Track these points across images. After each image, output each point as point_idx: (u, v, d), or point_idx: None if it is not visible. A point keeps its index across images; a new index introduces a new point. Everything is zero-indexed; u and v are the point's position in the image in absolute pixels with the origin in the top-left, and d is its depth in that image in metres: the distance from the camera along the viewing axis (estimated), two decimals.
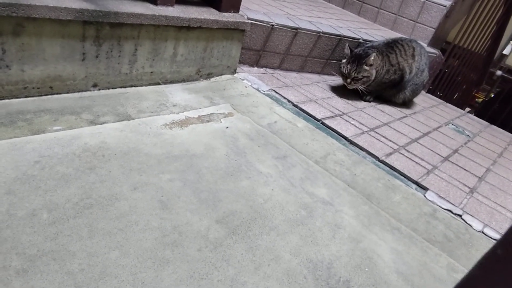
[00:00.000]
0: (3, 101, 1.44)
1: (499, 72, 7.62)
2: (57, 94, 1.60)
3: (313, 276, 1.11)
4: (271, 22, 2.38)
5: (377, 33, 3.31)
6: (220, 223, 1.19)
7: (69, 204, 1.08)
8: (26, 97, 1.51)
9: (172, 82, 2.04)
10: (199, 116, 1.78)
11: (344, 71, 2.47)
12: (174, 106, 1.81)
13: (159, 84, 1.97)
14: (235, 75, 2.35)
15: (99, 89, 1.74)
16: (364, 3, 3.98)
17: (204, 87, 2.11)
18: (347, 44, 2.53)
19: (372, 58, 2.39)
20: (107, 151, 1.34)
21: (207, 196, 1.29)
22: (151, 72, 1.91)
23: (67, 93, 1.63)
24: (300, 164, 1.65)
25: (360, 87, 2.49)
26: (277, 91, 2.31)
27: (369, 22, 3.89)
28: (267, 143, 1.73)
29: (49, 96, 1.57)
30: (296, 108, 2.19)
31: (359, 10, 4.01)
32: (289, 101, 2.24)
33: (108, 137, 1.42)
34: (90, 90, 1.71)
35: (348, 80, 2.48)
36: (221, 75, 2.29)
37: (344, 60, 2.49)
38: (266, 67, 2.62)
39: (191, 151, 1.50)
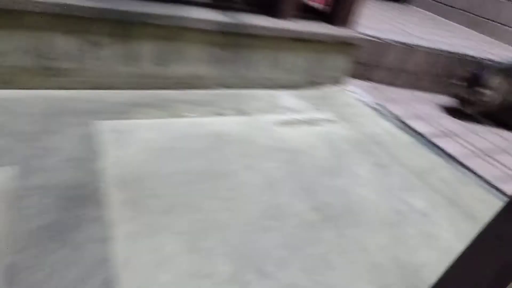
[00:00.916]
0: (159, 91, 1.86)
1: None
2: (193, 89, 1.97)
3: (400, 274, 1.15)
4: (384, 38, 2.43)
5: (505, 53, 3.02)
6: (315, 210, 1.32)
7: (197, 171, 1.36)
8: (173, 89, 1.91)
9: (283, 88, 2.27)
10: (305, 119, 1.96)
11: (462, 94, 2.34)
12: (284, 108, 2.03)
13: (272, 88, 2.22)
14: (343, 86, 2.47)
15: (224, 88, 2.07)
16: (489, 20, 3.65)
17: (312, 95, 2.28)
18: (468, 66, 2.41)
19: (498, 81, 2.23)
20: (227, 137, 1.62)
21: (306, 186, 1.44)
22: (268, 78, 2.18)
23: (200, 89, 1.99)
24: (399, 175, 1.68)
25: (478, 110, 2.33)
26: (383, 105, 2.35)
27: (496, 41, 3.56)
28: (367, 150, 1.80)
29: (187, 90, 1.95)
30: (402, 123, 2.19)
31: (484, 29, 3.70)
32: (394, 115, 2.26)
33: (229, 126, 1.70)
34: (218, 89, 2.05)
35: (471, 100, 2.32)
36: (330, 85, 2.43)
37: (463, 82, 2.37)
38: (375, 82, 2.66)
39: (295, 147, 1.68)
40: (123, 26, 1.65)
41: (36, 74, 1.57)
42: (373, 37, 2.40)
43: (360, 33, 2.33)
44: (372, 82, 2.65)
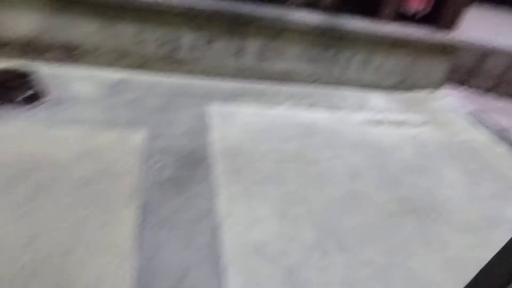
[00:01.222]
0: (260, 82, 2.07)
1: None
2: (289, 83, 2.14)
3: None
4: (488, 44, 2.30)
5: None
6: (396, 202, 1.37)
7: (289, 153, 1.51)
8: (269, 83, 2.10)
9: (374, 89, 2.30)
10: (393, 120, 1.98)
11: None
12: (373, 108, 2.07)
13: (363, 88, 2.28)
14: (438, 91, 2.40)
15: (317, 85, 2.19)
16: None
17: (404, 98, 2.27)
18: None
19: None
20: (317, 128, 1.74)
21: (390, 180, 1.49)
22: (360, 78, 2.24)
23: (296, 84, 2.15)
24: (493, 182, 1.61)
25: None
26: (480, 113, 2.22)
27: None
28: (458, 156, 1.75)
29: (284, 84, 2.13)
30: (498, 132, 2.06)
31: None
32: (492, 124, 2.12)
33: (319, 119, 1.82)
34: (311, 85, 2.18)
35: None
36: (423, 89, 2.38)
37: None
38: (474, 89, 2.52)
39: (380, 144, 1.72)
40: (235, 25, 1.89)
41: (163, 61, 1.90)
42: (476, 42, 2.29)
43: (461, 37, 2.24)
44: (470, 89, 2.51)
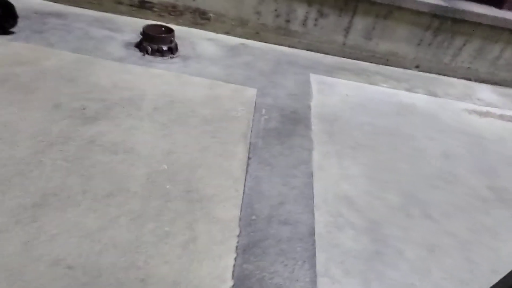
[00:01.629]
0: (361, 61, 2.14)
1: None
2: (388, 66, 2.16)
3: None
4: None
5: None
6: (490, 189, 1.36)
7: (383, 127, 1.58)
8: (370, 62, 2.15)
9: (483, 81, 2.17)
10: (501, 114, 1.88)
11: None
12: (478, 99, 1.98)
13: (470, 80, 2.17)
14: None
15: (419, 70, 2.16)
16: None
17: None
18: None
19: None
20: (414, 109, 1.76)
21: (486, 168, 1.46)
22: (468, 68, 2.14)
23: (395, 67, 2.16)
24: None
25: None
26: None
27: None
28: None
29: (383, 66, 2.15)
30: None
31: None
32: None
33: (416, 101, 1.83)
34: (412, 69, 2.16)
35: None
36: None
37: None
38: None
39: (482, 134, 1.67)
40: (345, 0, 1.97)
41: (276, 31, 2.09)
42: None
43: None
44: None
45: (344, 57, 2.15)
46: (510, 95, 2.09)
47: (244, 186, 1.16)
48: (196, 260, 0.91)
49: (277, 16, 2.04)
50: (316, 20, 2.04)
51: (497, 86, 2.16)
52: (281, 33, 2.09)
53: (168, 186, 1.09)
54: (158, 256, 0.90)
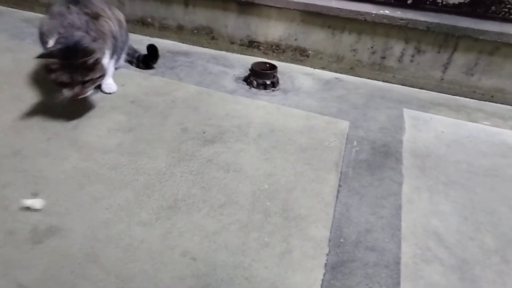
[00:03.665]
0: (456, 97, 2.10)
1: None
2: (492, 102, 2.06)
3: None
4: None
5: None
6: None
7: (480, 168, 1.54)
8: (471, 98, 2.09)
9: None
10: None
11: None
12: None
13: None
14: None
15: None
16: None
17: None
18: None
19: None
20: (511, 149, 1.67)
21: None
22: None
23: (501, 104, 2.05)
24: None
25: None
26: None
27: None
28: None
29: (486, 102, 2.07)
30: None
31: None
32: None
33: None
34: None
35: None
36: None
37: None
38: None
39: None
40: (445, 37, 1.98)
41: (371, 67, 2.20)
42: None
43: None
44: None
45: (441, 93, 2.13)
46: None
47: (334, 210, 1.29)
48: (291, 269, 1.06)
49: (373, 53, 2.15)
50: (412, 56, 2.09)
51: None
52: (375, 69, 2.19)
53: (268, 203, 1.28)
54: (260, 261, 1.08)
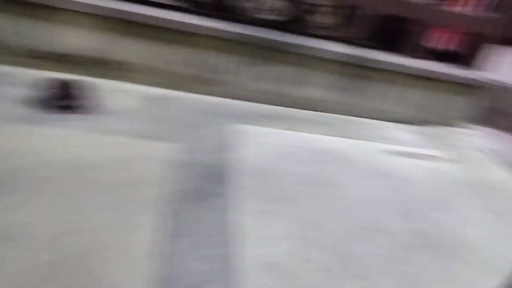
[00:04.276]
0: (282, 107, 2.16)
1: None
2: (310, 110, 2.21)
3: None
4: (508, 83, 2.30)
5: None
6: (414, 235, 1.37)
7: (305, 177, 1.56)
8: (293, 107, 2.19)
9: (395, 121, 2.33)
10: (411, 152, 1.99)
11: None
12: (392, 139, 2.10)
13: (380, 120, 2.31)
14: (459, 128, 2.40)
15: (338, 113, 2.25)
16: None
17: (425, 132, 2.29)
18: None
19: None
20: (334, 154, 1.79)
21: (408, 212, 1.49)
22: (381, 110, 2.29)
23: (316, 111, 2.22)
24: None
25: None
26: (501, 152, 2.20)
27: None
28: (478, 192, 1.74)
29: (305, 110, 2.20)
30: None
31: None
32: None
33: (337, 146, 1.87)
34: (331, 113, 2.25)
35: None
36: (444, 125, 2.39)
37: None
38: (496, 128, 2.50)
39: (400, 175, 1.74)
40: (262, 51, 2.00)
41: (193, 81, 2.03)
42: (500, 82, 2.29)
43: (485, 77, 2.26)
44: (492, 128, 2.50)
45: (266, 104, 2.15)
46: (416, 132, 2.26)
47: (155, 266, 1.01)
48: None
49: (195, 65, 1.99)
50: (235, 68, 2.04)
51: (405, 124, 2.33)
52: (199, 82, 2.04)
53: (63, 280, 0.90)
54: None
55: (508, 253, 1.40)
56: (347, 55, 2.06)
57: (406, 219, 1.45)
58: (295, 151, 1.73)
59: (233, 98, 2.10)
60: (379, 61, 2.10)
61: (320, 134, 1.95)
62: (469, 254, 1.34)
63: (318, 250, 1.21)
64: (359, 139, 2.00)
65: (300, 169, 1.61)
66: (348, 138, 1.99)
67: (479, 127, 2.49)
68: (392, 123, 2.31)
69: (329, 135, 1.96)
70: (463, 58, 2.26)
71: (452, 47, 2.32)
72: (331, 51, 2.04)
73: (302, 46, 2.01)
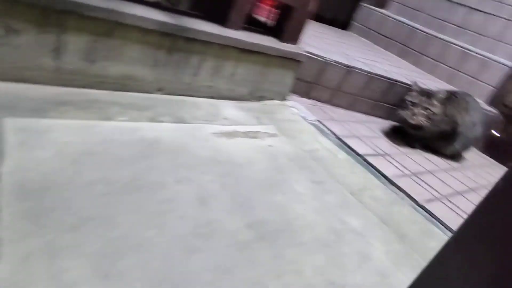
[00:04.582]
0: (84, 89, 1.65)
1: None
2: (127, 91, 1.80)
3: None
4: (326, 58, 2.50)
5: (432, 84, 3.30)
6: (250, 228, 1.24)
7: (122, 182, 1.20)
8: (103, 89, 1.72)
9: (226, 98, 2.19)
10: (245, 131, 1.89)
11: (413, 100, 2.44)
12: (224, 119, 1.94)
13: (214, 98, 2.13)
14: (285, 102, 2.46)
15: (163, 94, 1.92)
16: (421, 54, 4.01)
17: (254, 108, 2.23)
18: (414, 81, 2.56)
19: (442, 96, 2.40)
20: (160, 145, 1.48)
21: (242, 201, 1.35)
22: (209, 86, 2.08)
23: (135, 92, 1.83)
24: (336, 192, 1.67)
25: (423, 122, 2.44)
26: (323, 122, 2.38)
27: (425, 73, 3.90)
28: (306, 166, 1.78)
29: (121, 92, 1.77)
30: (340, 141, 2.23)
31: (416, 61, 4.04)
32: (333, 133, 2.29)
33: (163, 134, 1.56)
34: (155, 93, 1.90)
35: (416, 111, 2.42)
36: (272, 99, 2.41)
37: (412, 93, 2.48)
38: (316, 100, 2.71)
39: (233, 160, 1.59)
40: (49, 13, 1.44)
41: None
42: (316, 55, 2.45)
43: (304, 50, 2.35)
44: (313, 100, 2.70)
45: (64, 86, 1.62)
46: (248, 109, 2.18)
47: None
48: None
49: None
50: (7, 37, 1.41)
51: (237, 101, 2.22)
52: None
53: None
54: None
55: (331, 224, 1.44)
56: (165, 23, 1.72)
57: (242, 211, 1.30)
58: (106, 148, 1.33)
59: (6, 80, 1.47)
60: (202, 32, 1.85)
61: (140, 121, 1.59)
62: (303, 235, 1.30)
63: (141, 283, 0.90)
64: (187, 122, 1.74)
65: (112, 172, 1.23)
66: (175, 122, 1.70)
67: (305, 100, 2.63)
68: (224, 101, 2.15)
69: (151, 121, 1.63)
70: (289, 31, 2.26)
71: (280, 20, 2.29)
72: (145, 17, 1.66)
73: (105, 9, 1.55)
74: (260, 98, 2.35)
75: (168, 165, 1.38)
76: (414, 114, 2.42)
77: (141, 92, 1.85)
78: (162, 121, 1.66)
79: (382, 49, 4.26)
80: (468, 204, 2.08)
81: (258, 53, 2.12)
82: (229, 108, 2.09)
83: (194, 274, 0.98)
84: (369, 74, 2.69)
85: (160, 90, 1.91)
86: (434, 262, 0.42)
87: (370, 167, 2.05)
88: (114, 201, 1.11)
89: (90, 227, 1.00)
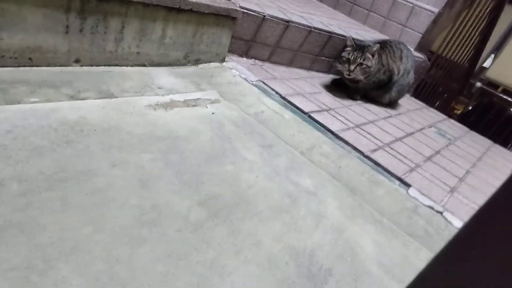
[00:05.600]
0: None
1: (478, 84, 7.84)
2: (36, 66, 1.52)
3: (295, 263, 1.08)
4: (263, 13, 2.35)
5: (367, 34, 3.34)
6: (202, 206, 1.15)
7: (42, 177, 1.01)
8: (2, 66, 1.42)
9: (158, 65, 1.98)
10: (184, 100, 1.74)
11: (348, 56, 2.42)
12: (159, 88, 1.76)
13: (145, 65, 1.91)
14: (223, 63, 2.31)
15: (82, 65, 1.66)
16: (354, 4, 4.02)
17: (191, 73, 2.06)
18: (349, 36, 2.54)
19: (375, 49, 2.41)
20: (86, 126, 1.28)
21: (190, 178, 1.24)
22: (138, 53, 1.85)
23: (47, 66, 1.55)
24: (286, 154, 1.63)
25: (359, 77, 2.46)
26: (265, 82, 2.29)
27: (359, 23, 3.93)
28: (253, 131, 1.70)
29: (28, 68, 1.49)
30: (284, 100, 2.17)
31: (350, 11, 4.04)
32: (277, 92, 2.22)
33: (89, 112, 1.36)
34: (72, 66, 1.63)
35: (352, 67, 2.42)
36: (210, 62, 2.24)
37: (347, 49, 2.46)
38: (255, 59, 2.59)
39: (174, 133, 1.45)
40: None
41: None
42: (252, 11, 2.29)
43: (239, 5, 2.18)
44: (252, 59, 2.57)
45: None
46: (185, 75, 2.00)
47: None
48: None
49: None
50: None
51: (172, 67, 2.02)
52: None
53: None
54: None
55: (284, 188, 1.41)
56: None
57: (190, 189, 1.19)
58: (13, 138, 1.11)
59: None
60: None
61: (58, 101, 1.36)
62: (257, 205, 1.25)
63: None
64: (116, 97, 1.54)
65: (26, 166, 1.03)
66: (101, 97, 1.49)
67: (244, 60, 2.49)
68: (156, 68, 1.94)
69: (72, 100, 1.40)
70: None
71: None
72: None
73: None
74: (197, 62, 2.17)
75: (99, 148, 1.20)
76: (350, 71, 2.42)
77: (55, 66, 1.58)
78: (85, 98, 1.44)
79: (316, 1, 4.18)
80: (406, 148, 2.19)
81: (189, 11, 1.91)
82: (163, 76, 1.89)
83: (144, 269, 0.88)
84: (308, 28, 2.61)
85: (77, 61, 1.65)
86: (434, 262, 0.37)
87: (317, 124, 2.04)
88: (35, 200, 0.94)
89: (9, 237, 0.83)
